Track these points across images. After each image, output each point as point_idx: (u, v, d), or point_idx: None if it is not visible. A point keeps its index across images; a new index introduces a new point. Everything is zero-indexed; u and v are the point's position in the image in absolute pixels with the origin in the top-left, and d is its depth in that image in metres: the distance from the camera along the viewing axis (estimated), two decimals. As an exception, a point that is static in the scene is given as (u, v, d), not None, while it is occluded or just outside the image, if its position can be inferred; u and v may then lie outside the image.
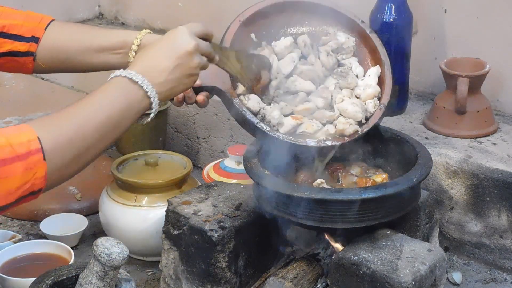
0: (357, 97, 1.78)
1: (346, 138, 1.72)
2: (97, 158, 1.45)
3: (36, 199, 1.36)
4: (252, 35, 1.81)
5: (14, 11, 1.73)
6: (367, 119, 1.76)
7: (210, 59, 1.59)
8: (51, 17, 1.75)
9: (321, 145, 1.70)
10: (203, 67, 1.56)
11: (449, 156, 2.00)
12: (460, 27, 2.25)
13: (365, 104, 1.76)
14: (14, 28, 1.70)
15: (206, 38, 1.59)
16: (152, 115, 1.50)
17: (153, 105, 1.48)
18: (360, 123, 1.74)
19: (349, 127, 1.72)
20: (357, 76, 1.82)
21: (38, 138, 1.32)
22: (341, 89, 1.79)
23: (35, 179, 1.31)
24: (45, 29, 1.72)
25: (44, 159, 1.32)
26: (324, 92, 1.77)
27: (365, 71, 1.84)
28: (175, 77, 1.50)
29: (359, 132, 1.73)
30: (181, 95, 1.67)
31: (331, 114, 1.74)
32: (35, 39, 1.71)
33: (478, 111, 2.10)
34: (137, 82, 1.45)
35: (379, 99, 1.78)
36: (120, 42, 1.72)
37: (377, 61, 1.84)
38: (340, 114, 1.74)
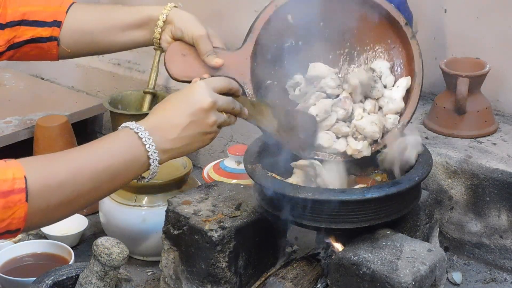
0: (380, 107, 1.75)
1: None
2: (87, 207, 1.42)
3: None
4: (289, 17, 1.72)
5: None
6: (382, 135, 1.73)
7: (237, 114, 1.54)
8: (71, 0, 1.72)
9: (326, 159, 1.71)
10: (222, 124, 1.50)
11: (449, 156, 2.00)
12: (460, 27, 2.25)
13: (385, 119, 1.72)
14: (35, 15, 1.67)
15: (230, 93, 1.53)
16: (148, 177, 1.45)
17: (152, 166, 1.42)
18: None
19: (358, 154, 1.70)
20: (385, 86, 1.75)
21: (25, 178, 1.27)
22: (365, 98, 1.75)
23: (12, 219, 1.26)
24: (67, 12, 1.68)
25: (27, 200, 1.26)
26: (346, 103, 1.72)
27: (396, 79, 1.76)
28: (189, 134, 1.45)
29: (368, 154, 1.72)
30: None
31: (346, 131, 1.71)
32: (57, 23, 1.67)
33: (478, 111, 2.10)
34: (141, 138, 1.40)
35: (401, 115, 1.73)
36: (145, 18, 1.67)
37: (410, 71, 1.75)
38: (357, 130, 1.71)
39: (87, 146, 1.39)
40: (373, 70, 1.76)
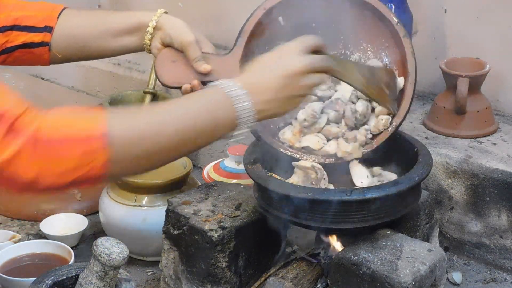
0: (373, 108, 1.74)
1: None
2: (168, 163, 1.34)
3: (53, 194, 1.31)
4: (280, 18, 1.72)
5: (26, 2, 1.70)
6: (374, 134, 1.72)
7: (328, 72, 1.49)
8: (63, 5, 1.72)
9: (317, 161, 1.70)
10: (315, 85, 1.46)
11: (449, 156, 2.00)
12: (460, 27, 2.25)
13: (378, 120, 1.71)
14: (27, 20, 1.68)
15: (319, 50, 1.49)
16: (235, 132, 1.38)
17: (241, 126, 1.37)
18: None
19: (349, 156, 1.69)
20: None
21: (107, 125, 1.24)
22: (358, 99, 1.74)
23: (93, 165, 1.23)
24: (58, 17, 1.69)
25: (107, 147, 1.23)
26: (338, 104, 1.72)
27: None
28: (282, 96, 1.40)
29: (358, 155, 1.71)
30: (189, 87, 1.61)
31: (337, 131, 1.71)
32: (49, 29, 1.68)
33: (478, 111, 2.10)
34: (231, 97, 1.35)
35: (394, 115, 1.71)
36: (135, 24, 1.68)
37: (404, 70, 1.73)
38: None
39: (173, 101, 1.35)
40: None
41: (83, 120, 1.25)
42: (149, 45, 1.69)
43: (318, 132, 1.74)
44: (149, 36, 1.67)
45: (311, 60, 1.44)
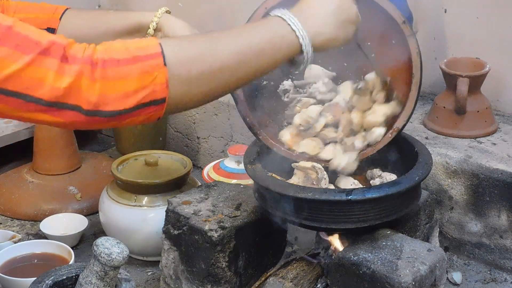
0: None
1: None
2: (234, 90, 1.30)
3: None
4: None
5: (29, 4, 1.70)
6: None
7: None
8: (65, 6, 1.72)
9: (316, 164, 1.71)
10: (359, 18, 1.46)
11: (449, 156, 2.00)
12: (460, 27, 2.25)
13: (371, 132, 1.71)
14: (29, 22, 1.65)
15: None
16: (305, 58, 1.35)
17: (304, 47, 1.34)
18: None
19: (343, 171, 1.69)
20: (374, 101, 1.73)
21: (160, 45, 1.21)
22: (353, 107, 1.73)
23: (154, 85, 1.20)
24: (60, 19, 1.69)
25: (165, 64, 1.20)
26: (336, 109, 1.70)
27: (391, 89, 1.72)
28: (337, 18, 1.39)
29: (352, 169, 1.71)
30: None
31: (334, 136, 1.71)
32: (51, 30, 1.67)
33: (478, 111, 2.10)
34: (286, 20, 1.33)
35: (398, 117, 1.70)
36: (136, 24, 1.68)
37: (408, 72, 1.70)
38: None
39: (233, 27, 1.34)
40: (366, 82, 1.74)
41: (136, 42, 1.23)
42: None
43: (315, 136, 1.73)
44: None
45: None
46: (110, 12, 1.80)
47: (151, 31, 1.66)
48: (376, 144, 1.72)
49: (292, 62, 1.39)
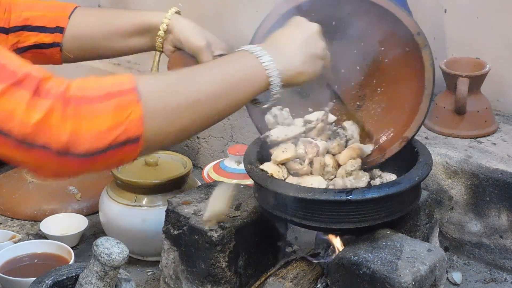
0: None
1: None
2: (207, 127, 1.30)
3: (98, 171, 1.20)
4: None
5: (37, 2, 1.69)
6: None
7: None
8: (74, 4, 1.71)
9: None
10: (327, 54, 1.49)
11: (449, 156, 2.00)
12: (460, 27, 2.25)
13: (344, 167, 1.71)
14: (38, 20, 1.66)
15: None
16: (276, 95, 1.38)
17: (272, 82, 1.35)
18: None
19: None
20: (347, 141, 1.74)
21: (134, 80, 1.18)
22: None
23: (129, 121, 1.16)
24: (69, 17, 1.68)
25: (140, 100, 1.16)
26: (310, 147, 1.69)
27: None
28: (303, 54, 1.42)
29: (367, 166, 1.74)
30: None
31: (298, 168, 1.70)
32: (60, 29, 1.67)
33: (478, 111, 2.10)
34: (258, 56, 1.35)
35: (407, 127, 1.71)
36: (146, 25, 1.67)
37: (420, 83, 1.68)
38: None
39: (199, 64, 1.37)
40: (344, 129, 1.76)
41: (111, 79, 1.19)
42: (161, 48, 1.68)
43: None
44: (161, 40, 1.66)
45: (320, 26, 1.49)
46: (120, 11, 1.77)
47: (161, 32, 1.65)
48: (385, 153, 1.74)
49: (259, 97, 1.41)
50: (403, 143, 1.72)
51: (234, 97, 1.32)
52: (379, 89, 1.79)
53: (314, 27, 1.47)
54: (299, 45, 1.43)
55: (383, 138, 1.79)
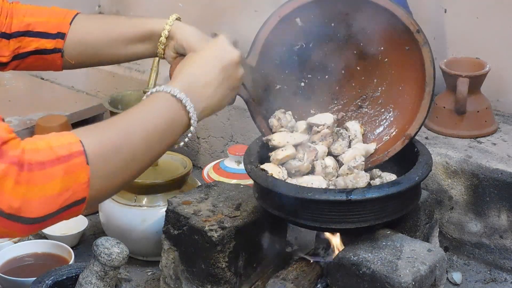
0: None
1: None
2: (141, 174, 1.34)
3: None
4: (298, 20, 1.71)
5: (39, 8, 1.69)
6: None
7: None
8: (76, 11, 1.71)
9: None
10: (243, 79, 1.49)
11: (449, 156, 2.00)
12: (460, 27, 2.25)
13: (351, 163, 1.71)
14: (40, 26, 1.66)
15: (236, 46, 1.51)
16: (189, 135, 1.40)
17: (192, 124, 1.38)
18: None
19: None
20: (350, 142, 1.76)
21: (81, 142, 1.21)
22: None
23: (77, 185, 1.19)
24: (70, 23, 1.68)
25: (88, 163, 1.20)
26: (310, 152, 1.71)
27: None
28: (222, 89, 1.43)
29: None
30: None
31: (297, 166, 1.71)
32: (61, 35, 1.67)
33: (478, 111, 2.10)
34: (181, 100, 1.35)
35: (410, 125, 1.72)
36: (148, 32, 1.67)
37: (421, 80, 1.69)
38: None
39: (133, 109, 1.35)
40: (346, 129, 1.76)
41: (58, 139, 1.21)
42: (163, 54, 1.68)
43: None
44: (162, 46, 1.66)
45: (241, 52, 1.46)
46: (121, 17, 1.78)
47: (163, 39, 1.65)
48: (389, 151, 1.74)
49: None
50: (406, 141, 1.73)
51: (164, 145, 1.36)
52: (380, 88, 1.80)
53: (235, 56, 1.44)
54: (217, 83, 1.41)
55: (386, 137, 1.79)
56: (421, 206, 1.80)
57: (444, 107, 2.12)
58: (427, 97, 1.70)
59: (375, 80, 1.79)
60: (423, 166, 1.68)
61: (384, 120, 1.80)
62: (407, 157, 1.75)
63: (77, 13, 1.71)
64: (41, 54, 1.68)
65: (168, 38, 1.65)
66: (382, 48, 1.75)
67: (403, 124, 1.76)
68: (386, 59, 1.75)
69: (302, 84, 1.80)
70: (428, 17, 2.29)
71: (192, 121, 1.37)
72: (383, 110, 1.80)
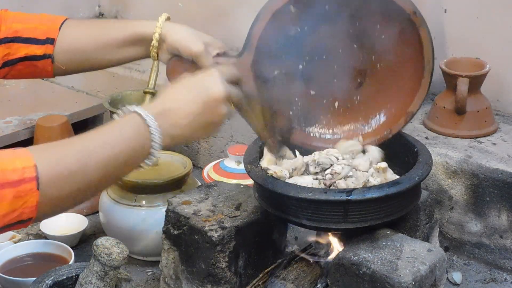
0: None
1: None
2: (96, 195, 1.37)
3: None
4: (291, 8, 1.69)
5: (28, 15, 1.69)
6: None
7: (238, 107, 1.50)
8: (64, 16, 1.71)
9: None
10: (229, 117, 1.46)
11: (449, 156, 2.00)
12: (460, 27, 2.25)
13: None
14: (28, 32, 1.66)
15: (236, 82, 1.49)
16: (154, 158, 1.39)
17: (152, 152, 1.37)
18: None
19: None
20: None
21: (35, 166, 1.22)
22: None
23: (24, 208, 1.22)
24: (59, 29, 1.67)
25: (38, 188, 1.22)
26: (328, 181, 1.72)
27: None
28: (199, 122, 1.40)
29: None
30: None
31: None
32: (51, 41, 1.66)
33: (478, 111, 2.10)
34: (149, 127, 1.34)
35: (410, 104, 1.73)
36: (139, 35, 1.66)
37: (420, 61, 1.69)
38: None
39: (96, 133, 1.34)
40: (364, 152, 1.77)
41: (12, 162, 1.22)
42: (156, 57, 1.68)
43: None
44: (155, 50, 1.66)
45: (230, 90, 1.44)
46: (110, 22, 1.78)
47: (154, 42, 1.64)
48: (392, 129, 1.75)
49: None
50: (408, 119, 1.74)
51: (122, 173, 1.36)
52: (378, 65, 1.78)
53: (221, 94, 1.41)
54: (195, 115, 1.39)
55: (387, 115, 1.79)
56: (421, 206, 1.80)
57: (444, 107, 2.12)
58: (427, 76, 1.71)
59: (372, 57, 1.78)
60: (423, 166, 1.68)
61: (385, 97, 1.80)
62: (407, 157, 1.75)
63: (66, 19, 1.70)
64: (31, 60, 1.67)
65: (160, 41, 1.65)
66: (378, 26, 1.74)
67: (404, 102, 1.76)
68: (383, 38, 1.75)
69: (300, 66, 1.79)
70: (428, 17, 2.28)
71: (154, 146, 1.36)
72: (383, 87, 1.79)
